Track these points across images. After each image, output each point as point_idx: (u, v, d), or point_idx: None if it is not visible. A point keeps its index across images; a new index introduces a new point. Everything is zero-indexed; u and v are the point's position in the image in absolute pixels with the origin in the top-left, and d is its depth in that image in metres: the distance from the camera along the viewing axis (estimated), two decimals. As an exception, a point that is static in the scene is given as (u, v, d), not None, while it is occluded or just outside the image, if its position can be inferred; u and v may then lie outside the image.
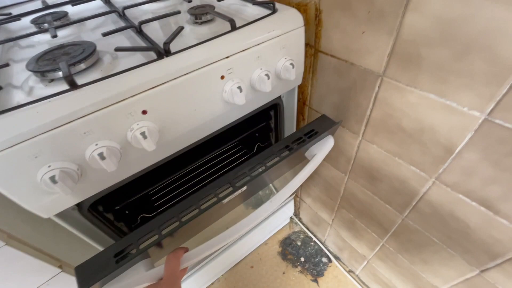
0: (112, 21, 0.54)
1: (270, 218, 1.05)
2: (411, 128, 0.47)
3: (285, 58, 0.48)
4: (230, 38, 0.42)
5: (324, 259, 1.07)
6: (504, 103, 0.34)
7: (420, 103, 0.44)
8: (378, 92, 0.49)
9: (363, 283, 0.99)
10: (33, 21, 0.55)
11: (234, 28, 0.43)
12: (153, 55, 0.39)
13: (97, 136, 0.35)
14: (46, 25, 0.54)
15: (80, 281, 0.35)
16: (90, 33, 0.51)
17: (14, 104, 0.34)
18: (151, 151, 0.38)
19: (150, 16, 0.55)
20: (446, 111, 0.41)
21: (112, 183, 0.42)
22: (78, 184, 0.37)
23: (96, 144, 0.35)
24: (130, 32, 0.48)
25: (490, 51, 0.33)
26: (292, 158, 0.51)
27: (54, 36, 0.45)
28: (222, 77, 0.42)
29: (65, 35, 0.51)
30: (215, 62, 0.40)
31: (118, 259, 0.37)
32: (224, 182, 0.45)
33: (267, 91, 0.46)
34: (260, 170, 0.46)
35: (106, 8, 0.60)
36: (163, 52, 0.39)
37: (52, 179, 0.32)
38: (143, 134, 0.36)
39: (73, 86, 0.34)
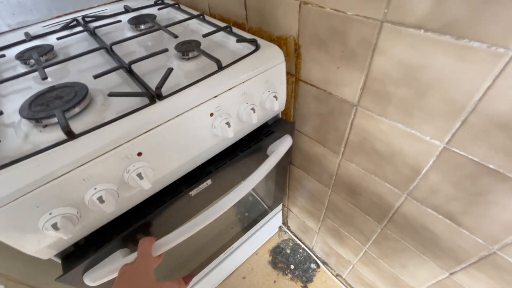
0: (100, 57, 0.56)
1: (261, 229, 1.08)
2: (384, 151, 0.53)
3: (269, 91, 0.52)
4: (217, 78, 0.45)
5: (313, 265, 1.12)
6: (458, 135, 0.40)
7: (390, 130, 0.49)
8: (354, 119, 0.54)
9: (350, 286, 1.05)
10: (18, 57, 0.56)
11: (220, 68, 0.46)
12: (145, 99, 0.41)
13: (96, 180, 0.37)
14: (32, 61, 0.54)
15: (64, 267, 0.42)
16: (79, 70, 0.52)
17: (12, 154, 0.35)
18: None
19: (138, 50, 0.58)
20: (412, 139, 0.46)
21: (109, 219, 0.44)
22: (77, 225, 0.38)
23: (95, 188, 0.37)
24: (120, 70, 0.50)
25: (445, 94, 0.38)
26: (254, 155, 0.60)
27: (44, 78, 0.46)
28: (211, 114, 0.45)
29: (53, 71, 0.52)
30: (204, 102, 0.43)
31: (97, 247, 0.43)
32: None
33: (254, 123, 0.50)
34: (223, 165, 0.54)
35: (92, 41, 0.62)
36: (155, 96, 0.41)
37: (54, 226, 0.34)
38: (139, 175, 0.39)
39: (71, 136, 0.36)
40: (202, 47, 0.54)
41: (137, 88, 0.45)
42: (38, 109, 0.41)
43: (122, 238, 0.45)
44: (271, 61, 0.51)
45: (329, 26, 0.47)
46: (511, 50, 0.30)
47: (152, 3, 0.78)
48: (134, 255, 0.44)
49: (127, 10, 0.74)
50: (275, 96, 0.52)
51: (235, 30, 0.59)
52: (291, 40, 0.55)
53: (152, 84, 0.46)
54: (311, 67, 0.55)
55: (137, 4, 0.78)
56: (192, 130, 0.44)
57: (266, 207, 1.01)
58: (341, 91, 0.53)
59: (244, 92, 0.48)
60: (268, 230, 1.17)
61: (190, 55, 0.52)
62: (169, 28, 0.60)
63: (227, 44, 0.57)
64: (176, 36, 0.56)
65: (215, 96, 0.44)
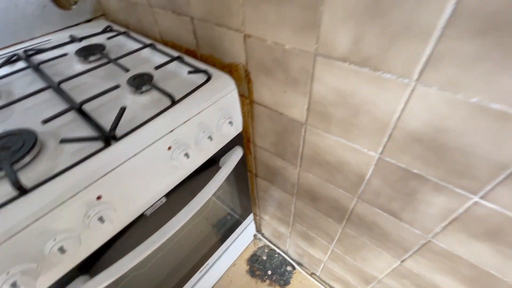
0: (47, 95, 0.54)
1: (236, 240, 1.11)
2: (334, 162, 0.59)
3: (224, 118, 0.55)
4: (172, 112, 0.47)
5: (289, 268, 1.17)
6: (387, 147, 0.47)
7: (336, 145, 0.55)
8: (305, 136, 0.60)
9: (325, 282, 1.12)
10: (-47, 102, 0.52)
11: (174, 102, 0.48)
12: (100, 143, 0.42)
13: (55, 231, 0.37)
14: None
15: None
16: (24, 113, 0.51)
17: (-43, 217, 0.34)
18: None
19: (87, 85, 0.57)
20: (354, 151, 0.52)
21: (73, 264, 0.43)
22: (39, 277, 0.38)
23: (55, 239, 0.37)
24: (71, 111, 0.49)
25: (372, 114, 0.44)
26: (208, 168, 0.61)
27: (-13, 128, 0.44)
28: (169, 148, 0.47)
29: (-5, 117, 0.50)
30: (160, 138, 0.45)
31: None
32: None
33: (212, 150, 0.53)
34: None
35: (36, 78, 0.59)
36: (110, 138, 0.42)
37: (13, 285, 0.34)
38: (100, 219, 0.39)
39: (23, 191, 0.35)
40: (155, 79, 0.55)
41: (89, 130, 0.45)
42: (-18, 164, 0.39)
43: (79, 266, 0.44)
44: (223, 90, 0.54)
45: (272, 56, 0.51)
46: (413, 80, 0.37)
47: (100, 30, 0.76)
48: (95, 281, 0.43)
49: (73, 40, 0.72)
50: (230, 122, 0.55)
51: (187, 59, 0.61)
52: (241, 67, 0.59)
53: (106, 123, 0.46)
54: (262, 90, 0.60)
55: (84, 32, 0.76)
56: (151, 166, 0.45)
57: (237, 217, 1.04)
58: (290, 111, 0.58)
59: (200, 122, 0.51)
60: (243, 240, 1.20)
61: (143, 89, 0.53)
62: (120, 61, 0.60)
63: (179, 74, 0.59)
64: (127, 70, 0.56)
65: (171, 131, 0.46)
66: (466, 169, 0.40)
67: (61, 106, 0.51)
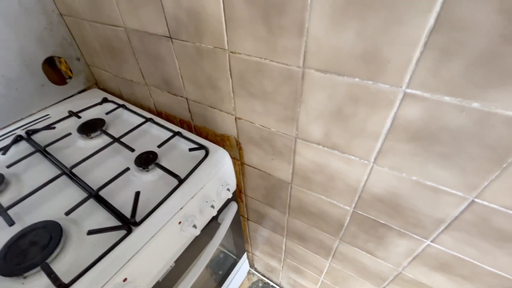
0: (62, 183, 0.59)
1: (233, 280, 1.15)
2: (317, 212, 0.69)
3: (222, 185, 0.64)
4: (180, 191, 0.56)
5: (283, 299, 1.23)
6: (359, 204, 0.58)
7: (317, 200, 0.66)
8: (291, 192, 0.70)
9: (317, 308, 1.19)
10: (-33, 196, 0.56)
11: (181, 182, 0.57)
12: (122, 230, 0.49)
13: (89, 317, 0.42)
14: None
15: None
16: (40, 202, 0.56)
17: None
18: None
19: (98, 168, 0.63)
20: (333, 206, 0.64)
21: None
22: None
23: (90, 325, 0.42)
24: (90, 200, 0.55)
25: (344, 180, 0.56)
26: (209, 225, 0.67)
27: (11, 225, 0.49)
28: (179, 223, 0.55)
29: (16, 211, 0.54)
30: (172, 216, 0.53)
31: None
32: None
33: (213, 214, 0.61)
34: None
35: (46, 163, 0.65)
36: (131, 226, 0.49)
37: None
38: (128, 300, 0.45)
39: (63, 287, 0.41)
40: (159, 156, 0.63)
41: (108, 215, 0.52)
42: (15, 262, 0.44)
43: None
44: (220, 163, 0.63)
45: (260, 134, 0.62)
46: (371, 162, 0.49)
47: (96, 102, 0.83)
48: None
49: (71, 114, 0.78)
50: (228, 189, 0.64)
51: (185, 133, 0.70)
52: (233, 138, 0.69)
53: (121, 205, 0.53)
54: (251, 157, 0.70)
55: (80, 104, 0.83)
56: (165, 241, 0.53)
57: (234, 257, 1.10)
58: (277, 174, 0.68)
59: (203, 195, 0.59)
60: (239, 278, 1.25)
61: (150, 167, 0.61)
62: (124, 139, 0.67)
63: (179, 147, 0.68)
64: (132, 150, 0.64)
65: (181, 208, 0.54)
66: (417, 222, 0.52)
67: (78, 192, 0.57)
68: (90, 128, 0.73)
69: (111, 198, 0.55)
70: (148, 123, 0.75)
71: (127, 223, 0.49)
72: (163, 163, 0.63)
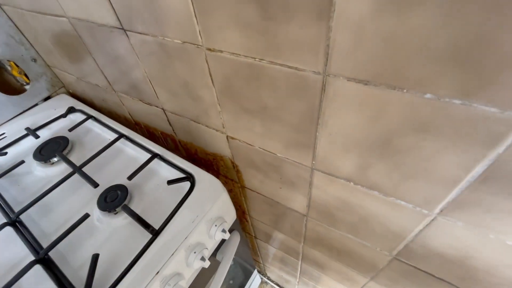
0: (6, 234, 0.46)
1: None
2: (343, 249, 0.53)
3: (215, 226, 0.48)
4: (156, 248, 0.41)
5: (300, 311, 1.12)
6: (403, 253, 0.42)
7: (343, 238, 0.49)
8: (307, 224, 0.54)
9: (338, 322, 1.08)
10: None
11: (156, 234, 0.41)
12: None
13: None
14: None
15: None
16: (-23, 263, 0.42)
17: None
18: None
19: (51, 215, 0.49)
20: (365, 248, 0.47)
21: None
22: None
23: None
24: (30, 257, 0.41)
25: (385, 226, 0.39)
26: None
27: None
28: (158, 290, 0.40)
29: None
30: (146, 286, 0.38)
31: None
32: None
33: (206, 263, 0.46)
34: None
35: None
36: (84, 311, 0.35)
37: None
38: None
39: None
40: (129, 193, 0.48)
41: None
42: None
43: None
44: (212, 197, 0.47)
45: (262, 159, 0.45)
46: (433, 213, 0.32)
47: (61, 114, 0.67)
48: None
49: (28, 133, 0.62)
50: (223, 230, 0.48)
51: (166, 155, 0.53)
52: (227, 159, 0.53)
53: (75, 272, 0.39)
54: (253, 181, 0.53)
55: (43, 117, 0.67)
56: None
57: (249, 267, 0.98)
58: (288, 203, 0.52)
59: (188, 246, 0.44)
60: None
61: (117, 210, 0.46)
62: (87, 167, 0.52)
63: (159, 174, 0.52)
64: (96, 185, 0.48)
65: (157, 273, 0.39)
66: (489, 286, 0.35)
67: (23, 251, 0.43)
68: (49, 152, 0.58)
69: (64, 260, 0.41)
70: (122, 140, 0.59)
71: (79, 307, 0.35)
72: (135, 202, 0.48)
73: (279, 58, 0.27)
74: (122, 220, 0.46)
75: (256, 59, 0.29)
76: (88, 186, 0.50)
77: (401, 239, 0.39)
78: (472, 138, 0.23)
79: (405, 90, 0.23)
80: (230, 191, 0.65)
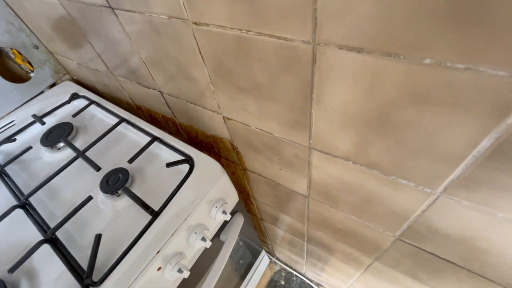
0: (17, 217, 0.48)
1: (256, 270, 1.08)
2: (346, 229, 0.53)
3: (216, 207, 0.48)
4: (156, 229, 0.41)
5: (309, 290, 1.15)
6: (407, 233, 0.40)
7: (346, 219, 0.48)
8: (309, 205, 0.53)
9: (346, 300, 1.10)
10: None
11: (156, 215, 0.42)
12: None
13: None
14: None
15: None
16: (-7, 243, 0.45)
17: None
18: None
19: (57, 197, 0.50)
20: (368, 228, 0.46)
21: None
22: None
23: None
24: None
25: (387, 207, 0.38)
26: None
27: None
28: (159, 269, 0.41)
29: None
30: (146, 265, 0.39)
31: None
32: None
33: (207, 243, 0.47)
34: None
35: (2, 188, 0.53)
36: (89, 285, 0.36)
37: None
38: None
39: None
40: (131, 176, 0.48)
41: (64, 268, 0.40)
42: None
43: None
44: (212, 179, 0.47)
45: (259, 139, 0.44)
46: (437, 192, 0.30)
47: (65, 101, 0.68)
48: None
49: (35, 120, 0.64)
50: (224, 211, 0.48)
51: (166, 138, 0.53)
52: (227, 141, 0.52)
53: (83, 252, 0.41)
54: (253, 163, 0.53)
55: (48, 104, 0.68)
56: (143, 295, 0.40)
57: (250, 258, 1.00)
58: (289, 184, 0.51)
59: (189, 226, 0.44)
60: (260, 269, 1.17)
61: (119, 192, 0.47)
62: (90, 152, 0.53)
63: (160, 157, 0.52)
64: (98, 168, 0.49)
65: (158, 252, 0.40)
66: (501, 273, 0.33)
67: (33, 232, 0.45)
68: (55, 138, 0.59)
69: (72, 241, 0.43)
70: (123, 124, 0.59)
71: (83, 284, 0.36)
72: (136, 185, 0.48)
73: (266, 27, 0.25)
74: (124, 202, 0.47)
75: (243, 31, 0.27)
76: (92, 170, 0.51)
77: (404, 219, 0.38)
78: (477, 108, 0.20)
79: (401, 57, 0.21)
80: (233, 174, 0.65)
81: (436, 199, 0.31)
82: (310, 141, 0.36)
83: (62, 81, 0.78)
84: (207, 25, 0.30)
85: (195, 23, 0.31)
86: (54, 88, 0.76)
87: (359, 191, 0.39)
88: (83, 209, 0.46)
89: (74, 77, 0.79)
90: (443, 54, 0.19)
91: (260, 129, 0.41)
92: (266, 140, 0.42)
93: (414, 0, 0.18)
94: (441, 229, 0.35)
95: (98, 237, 0.40)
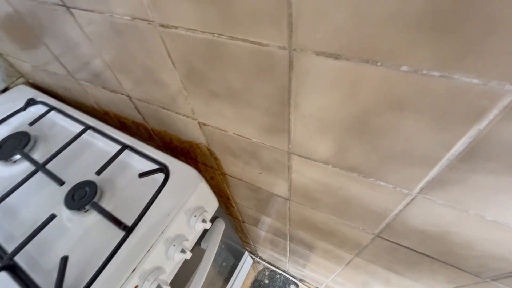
0: None
1: (240, 272, 1.06)
2: (327, 229, 0.53)
3: (195, 216, 0.46)
4: (130, 246, 0.38)
5: (292, 286, 1.16)
6: (386, 231, 0.41)
7: (327, 220, 0.49)
8: (290, 207, 0.53)
9: (329, 293, 1.13)
10: None
11: (129, 231, 0.39)
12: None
13: None
14: None
15: None
16: None
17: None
18: None
19: (14, 217, 0.46)
20: (349, 227, 0.47)
21: None
22: None
23: None
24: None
25: (366, 207, 0.38)
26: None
27: None
28: (136, 287, 0.39)
29: None
30: (123, 284, 0.36)
31: None
32: None
33: (187, 254, 0.45)
34: None
35: None
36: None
37: None
38: None
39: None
40: (99, 188, 0.45)
41: (28, 295, 0.36)
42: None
43: None
44: (189, 188, 0.45)
45: (237, 145, 0.42)
46: (413, 193, 0.30)
47: (19, 108, 0.61)
48: None
49: (-14, 130, 0.57)
50: (203, 220, 0.47)
51: (137, 145, 0.50)
52: (203, 146, 0.50)
53: (46, 276, 0.37)
54: (232, 168, 0.51)
55: (1, 111, 0.61)
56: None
57: (234, 260, 0.99)
58: (270, 188, 0.50)
59: (166, 239, 0.42)
60: (244, 270, 1.16)
61: (87, 208, 0.43)
62: (50, 164, 0.48)
63: (131, 166, 0.49)
64: (62, 183, 0.45)
65: (134, 270, 0.38)
66: (477, 265, 0.35)
67: (-15, 258, 0.40)
68: (10, 150, 0.53)
69: (34, 265, 0.39)
70: (89, 132, 0.54)
71: (49, 315, 0.33)
72: (105, 198, 0.45)
73: (239, 32, 0.24)
74: (93, 218, 0.43)
75: (215, 35, 0.26)
76: (55, 184, 0.47)
77: (382, 218, 0.38)
78: (452, 114, 0.21)
79: (379, 64, 0.20)
80: (211, 179, 0.63)
81: (413, 199, 0.31)
82: (289, 146, 0.35)
83: (16, 85, 0.71)
84: (176, 27, 0.27)
85: (162, 26, 0.28)
86: (7, 93, 0.68)
87: (339, 192, 0.39)
88: (46, 228, 0.41)
89: (30, 81, 0.72)
90: (420, 62, 0.19)
91: (238, 135, 0.39)
92: (244, 145, 0.41)
93: (389, 8, 0.17)
94: (417, 226, 0.36)
95: (64, 260, 0.37)
